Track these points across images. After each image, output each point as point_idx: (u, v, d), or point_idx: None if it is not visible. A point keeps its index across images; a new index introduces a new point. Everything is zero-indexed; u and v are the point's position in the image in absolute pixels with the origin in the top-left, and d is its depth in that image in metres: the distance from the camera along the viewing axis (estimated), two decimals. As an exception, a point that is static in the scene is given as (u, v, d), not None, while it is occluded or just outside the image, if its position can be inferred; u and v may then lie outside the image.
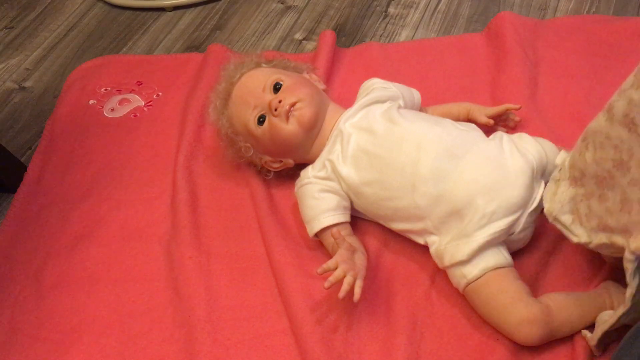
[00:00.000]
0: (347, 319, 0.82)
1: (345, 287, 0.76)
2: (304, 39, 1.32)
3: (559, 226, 0.68)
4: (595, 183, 0.63)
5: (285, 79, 0.92)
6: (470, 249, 0.78)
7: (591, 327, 0.75)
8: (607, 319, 0.71)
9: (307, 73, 1.00)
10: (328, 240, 0.87)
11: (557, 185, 0.68)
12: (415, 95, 0.97)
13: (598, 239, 0.66)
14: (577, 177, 0.64)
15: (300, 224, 0.92)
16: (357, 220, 0.92)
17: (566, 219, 0.67)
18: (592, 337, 0.72)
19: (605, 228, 0.65)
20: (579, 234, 0.66)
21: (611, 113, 0.58)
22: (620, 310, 0.67)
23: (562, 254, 0.84)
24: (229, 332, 0.84)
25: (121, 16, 1.48)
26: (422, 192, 0.81)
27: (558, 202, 0.66)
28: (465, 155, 0.82)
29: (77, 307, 0.91)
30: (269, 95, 0.91)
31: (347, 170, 0.87)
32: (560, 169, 0.69)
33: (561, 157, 0.70)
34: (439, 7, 1.32)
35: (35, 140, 1.21)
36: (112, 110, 1.21)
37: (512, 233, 0.80)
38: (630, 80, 0.57)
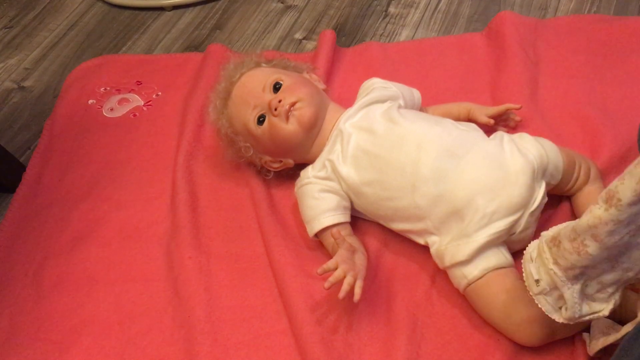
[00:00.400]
0: (347, 319, 0.82)
1: (345, 287, 0.76)
2: (304, 38, 1.32)
3: (584, 320, 0.67)
4: (608, 261, 0.63)
5: (285, 79, 0.92)
6: (470, 249, 0.77)
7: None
8: (605, 330, 0.70)
9: (307, 73, 1.00)
10: (328, 240, 0.86)
11: (554, 293, 0.66)
12: (416, 95, 0.97)
13: (618, 297, 0.66)
14: (579, 273, 0.64)
15: (300, 224, 0.91)
16: (357, 220, 0.92)
17: (586, 309, 0.66)
18: (592, 348, 0.71)
19: (624, 283, 0.65)
20: (601, 308, 0.66)
21: (614, 201, 0.57)
22: (628, 327, 0.66)
23: (563, 254, 0.84)
24: (228, 333, 0.84)
25: (121, 16, 1.47)
26: (422, 192, 0.81)
27: (574, 304, 0.65)
28: (465, 155, 0.82)
29: (76, 307, 0.91)
30: (269, 95, 0.91)
31: (347, 170, 0.87)
32: (539, 282, 0.67)
33: (536, 273, 0.67)
34: (440, 6, 1.31)
35: (34, 140, 1.21)
36: (112, 110, 1.21)
37: (513, 233, 0.80)
38: (632, 166, 0.57)
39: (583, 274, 0.64)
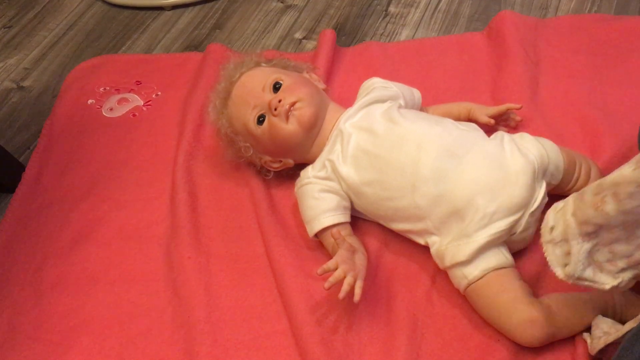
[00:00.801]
0: (347, 319, 0.82)
1: (345, 287, 0.76)
2: (304, 38, 1.31)
3: (582, 283, 0.66)
4: (623, 229, 0.62)
5: (285, 79, 0.92)
6: (471, 250, 0.77)
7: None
8: (607, 329, 0.70)
9: (307, 72, 0.99)
10: (328, 240, 0.86)
11: (563, 246, 0.65)
12: (416, 94, 0.97)
13: (627, 276, 0.65)
14: (591, 231, 0.63)
15: (300, 224, 0.91)
16: (357, 220, 0.91)
17: (589, 273, 0.65)
18: (593, 347, 0.71)
19: (636, 264, 0.64)
20: (606, 281, 0.65)
21: None
22: (631, 324, 0.66)
23: (563, 254, 0.84)
24: (228, 333, 0.83)
25: (120, 15, 1.47)
26: (422, 192, 0.81)
27: (578, 262, 0.64)
28: (465, 155, 0.81)
29: (76, 307, 0.91)
30: (269, 95, 0.91)
31: (347, 170, 0.86)
32: (553, 229, 0.66)
33: (553, 219, 0.67)
34: (440, 6, 1.31)
35: (33, 140, 1.21)
36: (111, 109, 1.21)
37: (514, 233, 0.79)
38: None
39: (596, 234, 0.63)
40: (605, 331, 0.71)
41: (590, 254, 0.64)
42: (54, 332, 0.88)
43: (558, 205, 0.67)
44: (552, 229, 0.66)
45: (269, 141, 0.92)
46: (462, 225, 0.79)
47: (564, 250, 0.65)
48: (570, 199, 0.65)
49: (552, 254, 0.66)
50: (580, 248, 0.63)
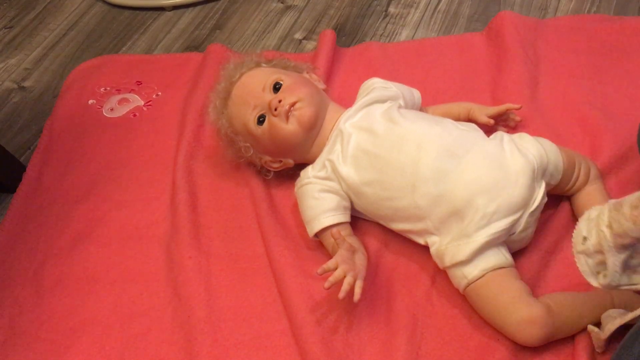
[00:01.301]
0: (347, 319, 0.82)
1: (345, 287, 0.76)
2: (304, 38, 1.32)
3: (619, 289, 0.66)
4: None
5: (285, 79, 0.92)
6: (470, 249, 0.77)
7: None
8: (615, 315, 0.70)
9: (307, 73, 1.00)
10: (328, 240, 0.86)
11: (596, 257, 0.65)
12: (416, 94, 0.97)
13: None
14: (628, 244, 0.62)
15: (300, 224, 0.91)
16: (357, 220, 0.92)
17: (624, 280, 0.65)
18: (607, 330, 0.70)
19: None
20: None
21: None
22: None
23: (563, 254, 0.84)
24: (228, 333, 0.84)
25: (121, 16, 1.47)
26: (422, 192, 0.81)
27: (615, 272, 0.64)
28: (465, 155, 0.81)
29: (76, 307, 0.91)
30: (269, 95, 0.91)
31: (347, 170, 0.87)
32: (586, 239, 0.65)
33: (586, 230, 0.66)
34: (440, 6, 1.31)
35: (34, 140, 1.21)
36: (112, 110, 1.21)
37: (513, 233, 0.80)
38: None
39: (632, 245, 0.62)
40: (614, 316, 0.70)
41: (626, 261, 0.64)
42: (54, 332, 0.88)
43: (591, 214, 0.66)
44: (584, 239, 0.65)
45: (269, 141, 0.92)
46: (461, 225, 0.79)
47: (597, 260, 0.65)
48: (605, 209, 0.64)
49: (585, 265, 0.66)
50: (616, 260, 0.63)
